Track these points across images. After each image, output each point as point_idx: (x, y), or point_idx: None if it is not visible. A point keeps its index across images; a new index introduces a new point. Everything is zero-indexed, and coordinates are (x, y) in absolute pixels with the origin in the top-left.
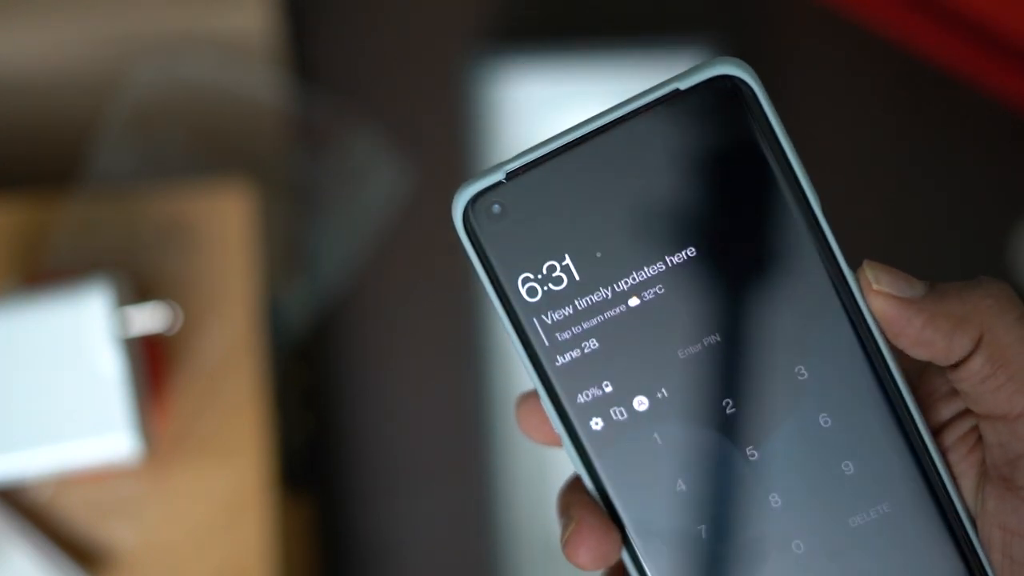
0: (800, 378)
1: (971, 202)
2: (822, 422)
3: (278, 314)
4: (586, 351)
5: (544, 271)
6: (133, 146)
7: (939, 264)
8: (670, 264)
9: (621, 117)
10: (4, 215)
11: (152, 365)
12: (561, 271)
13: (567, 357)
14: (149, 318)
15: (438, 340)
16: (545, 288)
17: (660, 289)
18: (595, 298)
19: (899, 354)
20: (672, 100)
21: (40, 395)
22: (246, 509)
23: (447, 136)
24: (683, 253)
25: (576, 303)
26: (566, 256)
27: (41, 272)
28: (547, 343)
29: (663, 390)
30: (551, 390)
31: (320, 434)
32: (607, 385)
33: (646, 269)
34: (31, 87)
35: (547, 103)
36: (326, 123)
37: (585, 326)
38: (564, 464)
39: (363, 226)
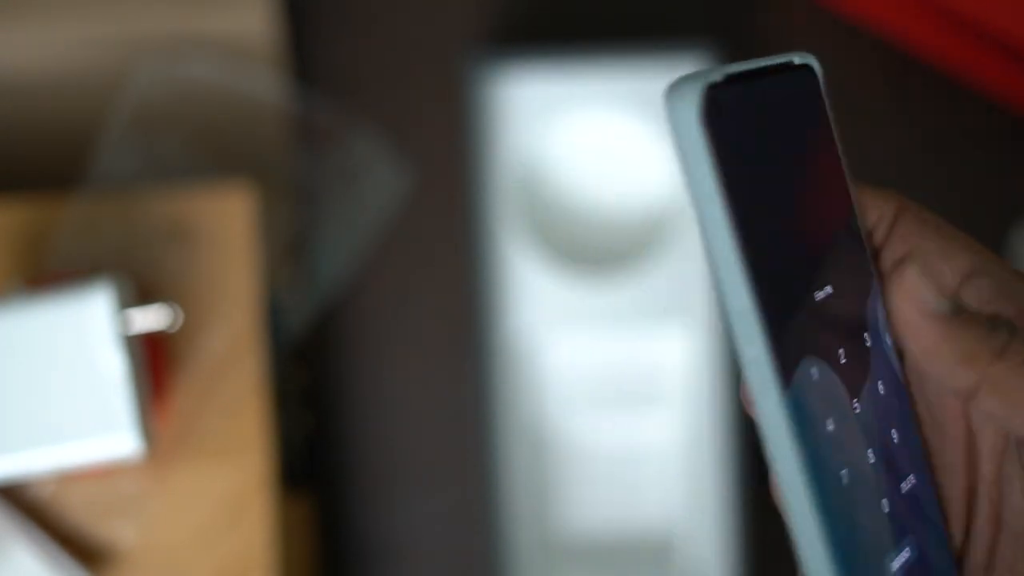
0: (865, 344)
1: (970, 202)
2: (880, 389)
3: (278, 314)
4: None
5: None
6: (134, 147)
7: None
8: (838, 212)
9: (781, 64)
10: (6, 216)
11: (153, 365)
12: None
13: None
14: (151, 318)
15: (438, 340)
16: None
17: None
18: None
19: None
20: (798, 70)
21: (43, 396)
22: (247, 507)
23: (447, 136)
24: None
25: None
26: (768, 164)
27: (44, 273)
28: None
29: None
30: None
31: (320, 433)
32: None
33: (825, 199)
34: (33, 89)
35: (546, 104)
36: (326, 123)
37: None
38: (562, 462)
39: (363, 226)
